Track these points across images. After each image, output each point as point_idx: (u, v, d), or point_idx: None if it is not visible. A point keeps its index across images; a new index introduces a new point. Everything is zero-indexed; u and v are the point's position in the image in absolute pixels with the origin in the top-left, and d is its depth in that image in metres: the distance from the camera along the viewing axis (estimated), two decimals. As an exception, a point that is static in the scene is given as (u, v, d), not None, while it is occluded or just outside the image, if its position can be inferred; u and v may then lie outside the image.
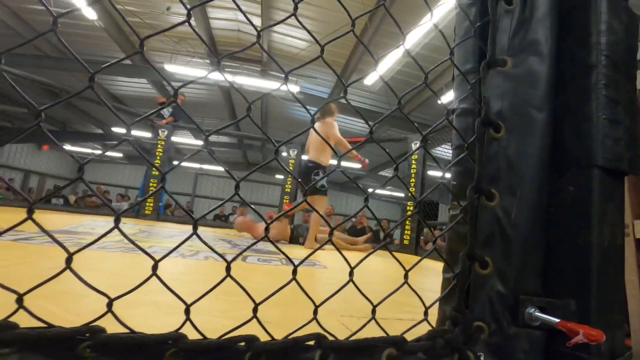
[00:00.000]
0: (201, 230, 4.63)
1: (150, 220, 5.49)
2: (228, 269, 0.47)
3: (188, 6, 0.46)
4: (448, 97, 5.71)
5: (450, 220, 0.69)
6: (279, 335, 0.49)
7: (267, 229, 0.52)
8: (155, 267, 0.44)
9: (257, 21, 5.42)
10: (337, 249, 0.58)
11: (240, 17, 5.58)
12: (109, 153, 13.12)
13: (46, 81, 4.48)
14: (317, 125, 3.42)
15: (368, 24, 4.99)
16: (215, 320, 0.79)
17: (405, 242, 4.84)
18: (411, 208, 4.93)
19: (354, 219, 7.90)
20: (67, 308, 0.75)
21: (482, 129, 0.65)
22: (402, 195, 15.11)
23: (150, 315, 0.79)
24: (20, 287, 0.39)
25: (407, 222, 4.90)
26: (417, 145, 5.11)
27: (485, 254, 0.60)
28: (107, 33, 5.59)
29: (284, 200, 6.12)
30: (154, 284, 0.45)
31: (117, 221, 0.42)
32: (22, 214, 0.37)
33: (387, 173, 13.41)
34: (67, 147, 12.78)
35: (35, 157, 12.60)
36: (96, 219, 4.12)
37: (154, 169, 5.87)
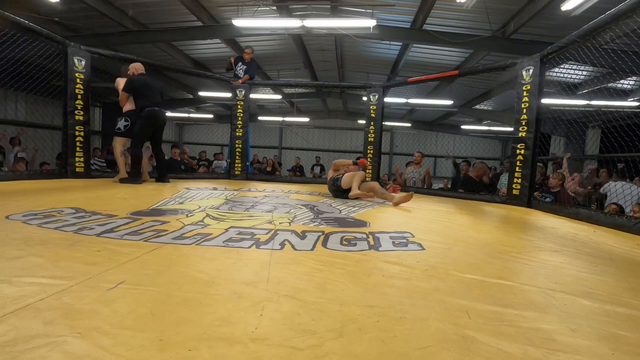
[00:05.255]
0: (279, 188, 4.60)
1: (240, 180, 5.74)
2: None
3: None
4: (574, 2, 4.32)
5: None
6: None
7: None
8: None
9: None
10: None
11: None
12: (201, 115, 14.15)
13: (129, 57, 4.65)
14: None
15: None
16: None
17: (515, 192, 4.10)
18: (522, 151, 4.09)
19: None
20: None
21: None
22: (501, 129, 13.15)
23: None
24: None
25: (517, 168, 4.10)
26: (530, 69, 4.05)
27: None
28: (174, -4, 5.51)
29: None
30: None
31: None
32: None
33: (483, 107, 11.73)
34: (168, 113, 14.24)
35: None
36: (191, 185, 4.30)
37: (236, 129, 5.99)
